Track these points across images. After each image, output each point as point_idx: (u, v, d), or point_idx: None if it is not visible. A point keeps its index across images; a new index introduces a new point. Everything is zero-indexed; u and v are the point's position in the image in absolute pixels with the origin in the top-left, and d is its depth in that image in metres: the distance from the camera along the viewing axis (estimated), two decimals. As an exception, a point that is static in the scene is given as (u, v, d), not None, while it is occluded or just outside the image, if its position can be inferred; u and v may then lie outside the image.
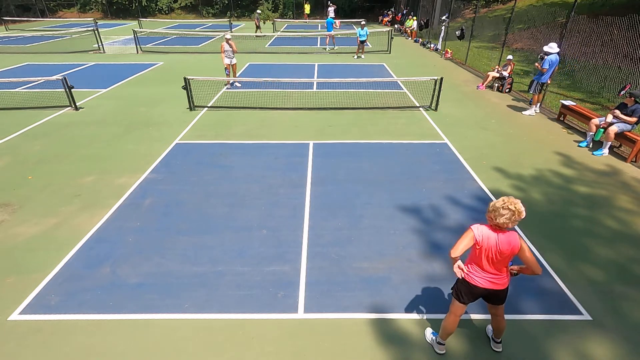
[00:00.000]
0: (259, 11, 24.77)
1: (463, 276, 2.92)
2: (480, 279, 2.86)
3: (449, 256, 2.95)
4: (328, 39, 19.22)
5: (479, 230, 2.78)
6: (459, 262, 2.93)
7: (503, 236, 2.73)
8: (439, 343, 3.26)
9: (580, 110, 8.27)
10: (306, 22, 30.79)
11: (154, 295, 3.87)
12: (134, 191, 5.80)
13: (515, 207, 2.63)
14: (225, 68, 11.46)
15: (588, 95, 10.28)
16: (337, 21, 25.56)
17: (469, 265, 2.92)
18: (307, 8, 31.42)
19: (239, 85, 11.78)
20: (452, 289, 3.12)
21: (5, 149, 7.34)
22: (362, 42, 16.11)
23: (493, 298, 2.97)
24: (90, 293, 3.90)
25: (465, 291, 2.95)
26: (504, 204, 2.64)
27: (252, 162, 6.70)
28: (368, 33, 16.14)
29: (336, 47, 19.22)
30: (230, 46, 11.08)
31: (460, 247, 2.77)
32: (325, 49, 19.11)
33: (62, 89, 9.64)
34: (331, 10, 26.14)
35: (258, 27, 22.89)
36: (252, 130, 8.19)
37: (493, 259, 2.78)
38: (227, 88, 11.50)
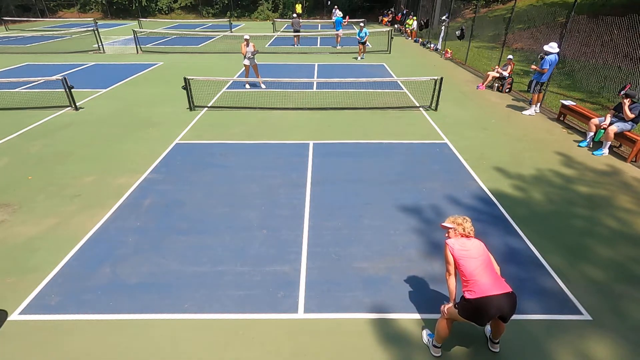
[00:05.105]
0: (294, 15, 23.83)
1: (467, 297, 2.78)
2: (486, 286, 2.75)
3: (447, 285, 3.02)
4: (338, 38, 19.46)
5: (453, 242, 2.96)
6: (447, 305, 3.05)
7: (473, 239, 2.99)
8: (434, 346, 3.25)
9: (580, 110, 8.26)
10: (305, 22, 30.76)
11: (154, 295, 3.87)
12: (134, 191, 5.80)
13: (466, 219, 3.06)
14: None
15: (588, 95, 10.28)
16: (346, 19, 26.25)
17: (468, 285, 2.81)
18: (298, 7, 31.27)
19: (263, 86, 11.75)
20: (459, 313, 2.90)
21: (5, 149, 7.34)
22: (362, 43, 16.02)
23: (507, 308, 2.78)
24: (90, 293, 3.90)
25: (478, 312, 2.77)
26: (459, 217, 3.06)
27: (252, 162, 6.70)
28: (368, 34, 16.05)
29: (339, 47, 19.26)
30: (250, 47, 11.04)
31: (450, 266, 2.93)
32: (336, 47, 19.31)
33: (62, 89, 9.64)
34: (336, 10, 26.13)
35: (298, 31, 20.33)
36: (252, 130, 8.19)
37: (481, 263, 2.83)
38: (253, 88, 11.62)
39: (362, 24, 16.19)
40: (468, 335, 3.41)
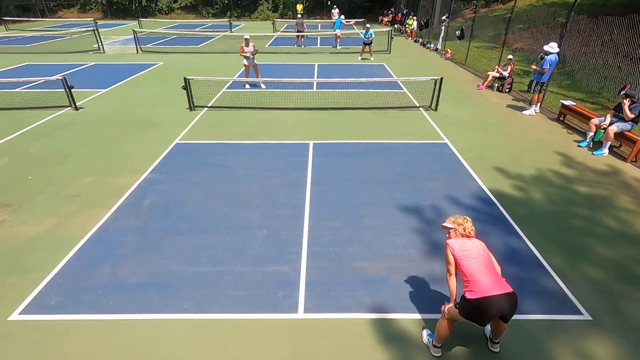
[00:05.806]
0: (299, 15, 23.06)
1: (468, 297, 2.77)
2: (487, 286, 2.75)
3: (448, 285, 3.02)
4: (337, 38, 19.51)
5: (454, 242, 2.96)
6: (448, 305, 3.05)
7: (473, 239, 3.00)
8: (434, 346, 3.25)
9: (580, 110, 8.26)
10: (305, 22, 30.77)
11: (154, 295, 3.87)
12: (134, 191, 5.80)
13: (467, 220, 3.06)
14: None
15: (588, 95, 10.28)
16: (351, 21, 26.47)
17: (468, 285, 2.81)
18: (299, 7, 31.18)
19: (263, 86, 11.72)
20: (460, 313, 2.90)
21: (5, 149, 7.34)
22: (368, 44, 15.77)
23: (507, 308, 2.77)
24: (90, 293, 3.90)
25: (479, 312, 2.77)
26: (459, 217, 3.07)
27: (252, 162, 6.70)
28: (373, 35, 15.65)
29: (339, 47, 19.22)
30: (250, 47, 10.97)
31: (451, 266, 2.93)
32: (336, 47, 19.31)
33: (62, 89, 9.64)
34: (335, 10, 26.14)
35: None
36: (252, 130, 8.19)
37: (482, 263, 2.83)
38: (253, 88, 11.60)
39: (368, 25, 16.10)
40: (468, 335, 3.41)
